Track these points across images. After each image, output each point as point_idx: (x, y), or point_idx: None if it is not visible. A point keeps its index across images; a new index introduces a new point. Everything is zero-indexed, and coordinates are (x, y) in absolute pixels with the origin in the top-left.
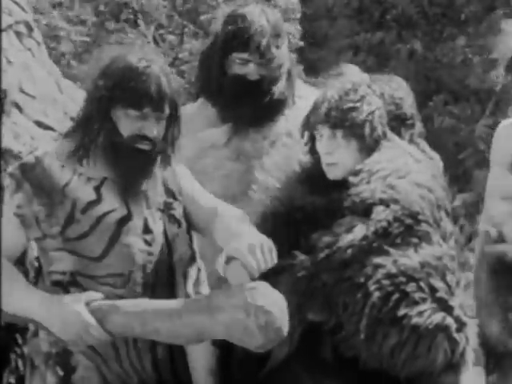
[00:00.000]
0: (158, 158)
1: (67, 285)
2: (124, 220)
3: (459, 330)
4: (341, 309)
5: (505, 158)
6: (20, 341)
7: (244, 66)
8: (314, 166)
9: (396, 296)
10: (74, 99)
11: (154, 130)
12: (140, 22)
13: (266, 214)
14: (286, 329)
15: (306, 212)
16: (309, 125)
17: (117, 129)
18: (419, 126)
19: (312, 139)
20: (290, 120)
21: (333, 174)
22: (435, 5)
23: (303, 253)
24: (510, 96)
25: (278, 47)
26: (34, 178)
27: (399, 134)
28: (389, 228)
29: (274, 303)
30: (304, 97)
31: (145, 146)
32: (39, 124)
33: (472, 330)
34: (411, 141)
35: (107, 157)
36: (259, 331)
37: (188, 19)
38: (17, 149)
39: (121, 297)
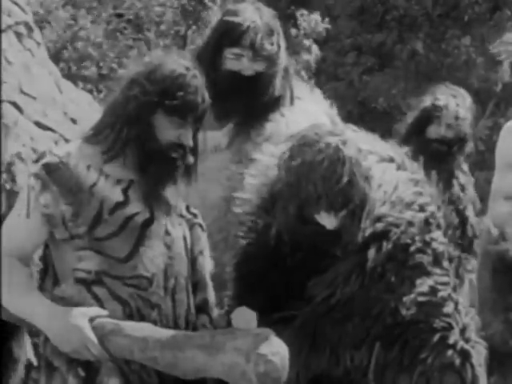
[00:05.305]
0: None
1: (91, 283)
2: (147, 223)
3: (464, 361)
4: (348, 361)
5: (507, 159)
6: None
7: (237, 62)
8: None
9: (398, 346)
10: (73, 100)
11: (190, 139)
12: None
13: (251, 253)
14: (284, 379)
15: (296, 256)
16: None
17: (154, 134)
18: (471, 145)
19: None
20: (290, 123)
21: None
22: (439, 6)
23: (299, 299)
24: (510, 97)
25: (272, 44)
26: (59, 178)
27: (453, 155)
28: (383, 269)
29: (277, 353)
30: (302, 98)
31: (178, 155)
32: (39, 124)
33: (476, 353)
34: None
35: (137, 160)
36: (257, 378)
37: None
38: (16, 149)
39: (145, 298)
